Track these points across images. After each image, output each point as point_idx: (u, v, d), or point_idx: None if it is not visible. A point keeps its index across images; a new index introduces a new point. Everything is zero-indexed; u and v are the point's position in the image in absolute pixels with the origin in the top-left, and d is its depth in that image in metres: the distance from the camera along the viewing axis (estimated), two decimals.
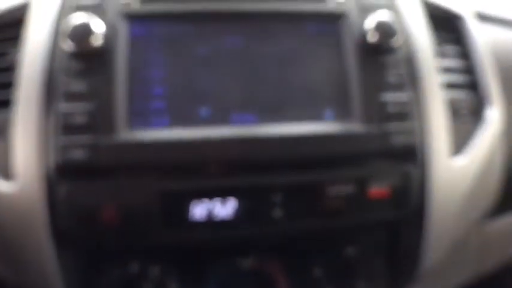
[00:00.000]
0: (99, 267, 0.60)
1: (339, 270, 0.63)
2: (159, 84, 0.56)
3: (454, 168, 0.61)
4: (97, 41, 0.54)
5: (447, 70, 0.67)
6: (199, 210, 0.55)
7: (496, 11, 0.79)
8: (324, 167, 0.57)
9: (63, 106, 0.54)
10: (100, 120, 0.53)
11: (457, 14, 0.71)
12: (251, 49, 0.58)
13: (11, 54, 0.60)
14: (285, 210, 0.56)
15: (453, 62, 0.68)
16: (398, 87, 0.59)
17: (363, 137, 0.57)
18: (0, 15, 0.62)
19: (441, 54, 0.68)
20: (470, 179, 0.63)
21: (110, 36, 0.56)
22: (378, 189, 0.57)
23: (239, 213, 0.55)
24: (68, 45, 0.55)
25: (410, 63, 0.61)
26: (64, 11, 0.58)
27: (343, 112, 0.58)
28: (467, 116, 0.66)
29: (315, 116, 0.57)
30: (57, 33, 0.57)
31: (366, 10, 0.61)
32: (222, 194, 0.55)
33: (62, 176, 0.53)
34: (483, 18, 0.76)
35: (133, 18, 0.57)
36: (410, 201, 0.59)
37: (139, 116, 0.55)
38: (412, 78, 0.61)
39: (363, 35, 0.59)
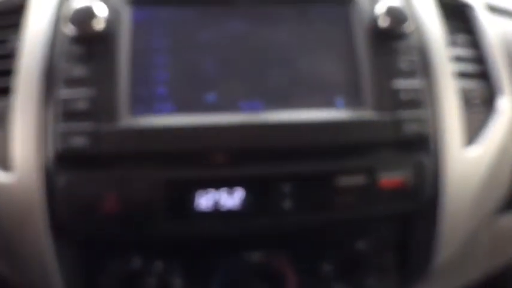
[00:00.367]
0: (101, 263, 0.58)
1: (349, 264, 0.61)
2: (162, 69, 0.54)
3: (467, 159, 0.60)
4: (99, 24, 0.53)
5: (458, 59, 0.65)
6: (204, 200, 0.53)
7: (506, 4, 0.79)
8: (334, 155, 0.55)
9: (64, 92, 0.52)
10: (101, 106, 0.52)
11: (468, 4, 0.70)
12: (256, 34, 0.57)
13: (11, 41, 0.58)
14: (294, 200, 0.54)
15: (464, 51, 0.67)
16: (410, 74, 0.57)
17: (374, 124, 0.55)
18: (0, 1, 0.60)
19: (452, 43, 0.66)
20: (484, 170, 0.61)
21: (112, 21, 0.54)
22: (390, 179, 0.55)
23: (247, 204, 0.54)
24: (69, 29, 0.53)
25: (422, 51, 0.60)
26: None
27: (353, 99, 0.56)
28: (479, 105, 0.64)
29: (324, 103, 0.56)
30: (58, 19, 0.56)
31: None
32: (229, 183, 0.53)
33: (62, 165, 0.52)
34: (493, 10, 0.75)
35: (137, 2, 0.56)
36: (424, 192, 0.57)
37: (142, 102, 0.53)
38: (424, 66, 0.60)
39: (373, 19, 0.58)
